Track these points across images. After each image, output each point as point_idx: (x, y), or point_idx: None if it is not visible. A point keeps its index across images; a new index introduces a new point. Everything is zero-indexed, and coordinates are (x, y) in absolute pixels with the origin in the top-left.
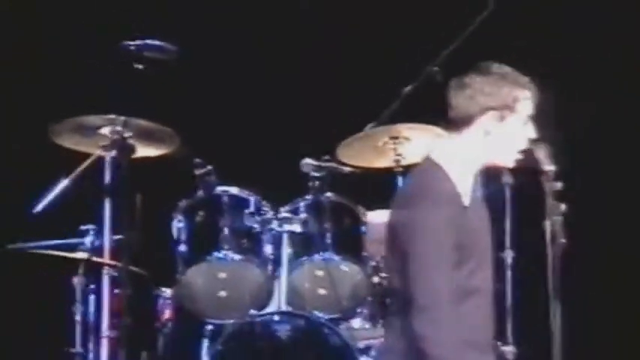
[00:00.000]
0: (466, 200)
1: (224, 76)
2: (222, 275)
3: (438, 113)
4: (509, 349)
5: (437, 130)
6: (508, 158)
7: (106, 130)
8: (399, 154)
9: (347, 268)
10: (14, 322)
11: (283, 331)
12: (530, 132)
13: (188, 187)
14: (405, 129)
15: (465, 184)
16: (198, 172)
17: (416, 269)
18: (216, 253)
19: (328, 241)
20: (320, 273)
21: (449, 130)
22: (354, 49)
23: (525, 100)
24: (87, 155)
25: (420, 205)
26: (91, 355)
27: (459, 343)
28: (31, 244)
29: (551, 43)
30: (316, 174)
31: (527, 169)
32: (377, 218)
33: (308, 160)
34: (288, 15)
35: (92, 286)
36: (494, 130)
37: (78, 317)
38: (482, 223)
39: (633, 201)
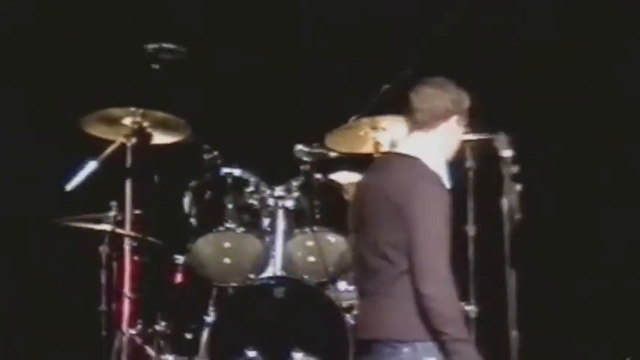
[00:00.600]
0: (447, 185)
1: (230, 75)
2: (227, 245)
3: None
4: (471, 309)
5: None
6: (455, 151)
7: (127, 121)
8: (377, 142)
9: (333, 239)
10: (52, 284)
11: (278, 292)
12: (465, 131)
13: (197, 169)
14: (383, 120)
15: (442, 173)
16: (206, 156)
17: (426, 240)
18: (221, 226)
19: (317, 215)
20: (310, 243)
21: (414, 129)
22: (342, 52)
23: (467, 106)
24: (111, 142)
25: (429, 187)
26: (114, 313)
27: (457, 303)
28: (66, 218)
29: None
30: (307, 158)
31: (488, 155)
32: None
33: (300, 147)
34: (288, 15)
35: (115, 254)
36: (456, 130)
37: (103, 280)
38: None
39: (578, 183)
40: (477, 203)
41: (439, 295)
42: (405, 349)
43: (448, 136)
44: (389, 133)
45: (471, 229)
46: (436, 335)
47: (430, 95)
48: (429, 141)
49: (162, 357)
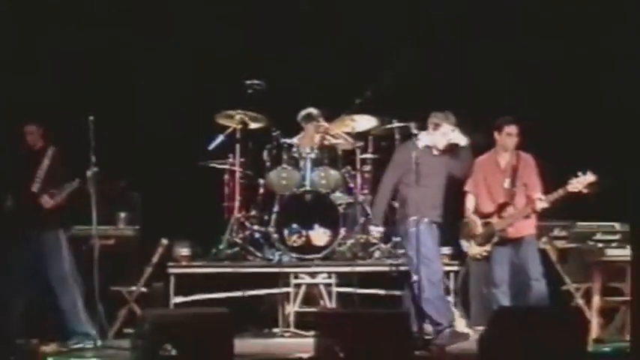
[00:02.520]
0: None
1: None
2: (283, 175)
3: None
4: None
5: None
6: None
7: (237, 117)
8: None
9: (335, 173)
10: (200, 196)
11: (308, 197)
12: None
13: (270, 139)
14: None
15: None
16: (274, 133)
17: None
18: (280, 166)
19: (326, 161)
20: (323, 174)
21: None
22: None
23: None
24: (229, 127)
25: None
26: (230, 208)
27: None
28: (207, 162)
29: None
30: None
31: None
32: None
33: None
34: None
35: (230, 180)
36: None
37: (226, 192)
38: None
39: None
40: None
41: None
42: None
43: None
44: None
45: None
46: None
47: (443, 117)
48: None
49: (254, 227)
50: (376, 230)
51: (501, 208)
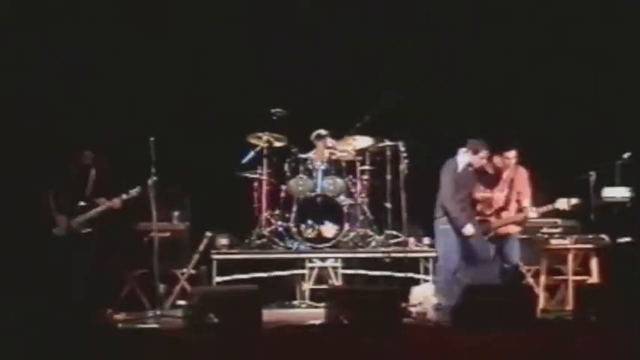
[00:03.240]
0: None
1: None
2: (300, 182)
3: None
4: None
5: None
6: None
7: (265, 137)
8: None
9: (340, 181)
10: (237, 202)
11: (320, 198)
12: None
13: (295, 155)
14: (354, 136)
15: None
16: (293, 149)
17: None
18: (297, 175)
19: (333, 171)
20: (331, 181)
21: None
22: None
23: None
24: (257, 145)
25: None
26: (259, 207)
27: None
28: (242, 173)
29: None
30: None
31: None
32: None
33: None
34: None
35: (259, 187)
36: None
37: (255, 196)
38: None
39: None
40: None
41: None
42: None
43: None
44: (357, 143)
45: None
46: None
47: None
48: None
49: (278, 222)
50: (469, 228)
51: (499, 211)
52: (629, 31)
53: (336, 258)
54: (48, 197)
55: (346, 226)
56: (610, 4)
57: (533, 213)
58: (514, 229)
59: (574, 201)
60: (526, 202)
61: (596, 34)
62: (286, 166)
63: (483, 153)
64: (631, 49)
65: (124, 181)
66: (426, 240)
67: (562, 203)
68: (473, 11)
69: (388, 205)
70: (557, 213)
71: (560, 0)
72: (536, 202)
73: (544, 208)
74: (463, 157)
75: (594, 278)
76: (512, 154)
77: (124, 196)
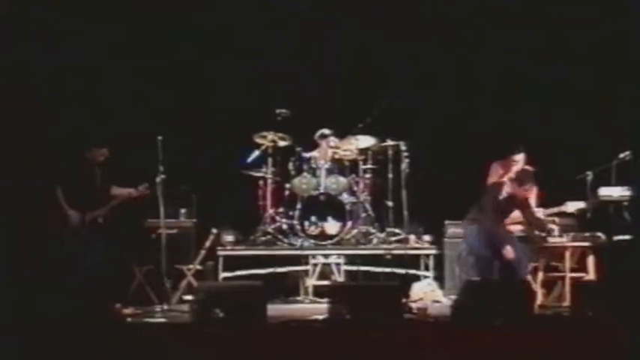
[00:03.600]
0: None
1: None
2: (304, 180)
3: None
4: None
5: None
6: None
7: (269, 137)
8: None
9: (343, 180)
10: (243, 197)
11: (323, 197)
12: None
13: (293, 154)
14: (357, 136)
15: None
16: (297, 149)
17: None
18: (301, 174)
19: (336, 170)
20: (334, 180)
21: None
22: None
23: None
24: (262, 145)
25: None
26: (265, 204)
27: None
28: (246, 171)
29: None
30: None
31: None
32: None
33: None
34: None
35: (264, 184)
36: None
37: (260, 194)
38: None
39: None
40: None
41: None
42: None
43: None
44: (360, 143)
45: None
46: None
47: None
48: None
49: (282, 220)
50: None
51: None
52: (629, 30)
53: (339, 255)
54: (57, 193)
55: (349, 224)
56: (610, 4)
57: (539, 214)
58: (515, 227)
59: (581, 205)
60: (532, 201)
61: (596, 33)
62: (291, 165)
63: (528, 186)
64: (631, 49)
65: (131, 179)
66: (427, 237)
67: (572, 206)
68: (476, 13)
69: (390, 203)
70: (558, 213)
71: (558, 1)
72: (536, 202)
73: (551, 210)
74: (507, 187)
75: (591, 275)
76: (519, 157)
77: (139, 188)
